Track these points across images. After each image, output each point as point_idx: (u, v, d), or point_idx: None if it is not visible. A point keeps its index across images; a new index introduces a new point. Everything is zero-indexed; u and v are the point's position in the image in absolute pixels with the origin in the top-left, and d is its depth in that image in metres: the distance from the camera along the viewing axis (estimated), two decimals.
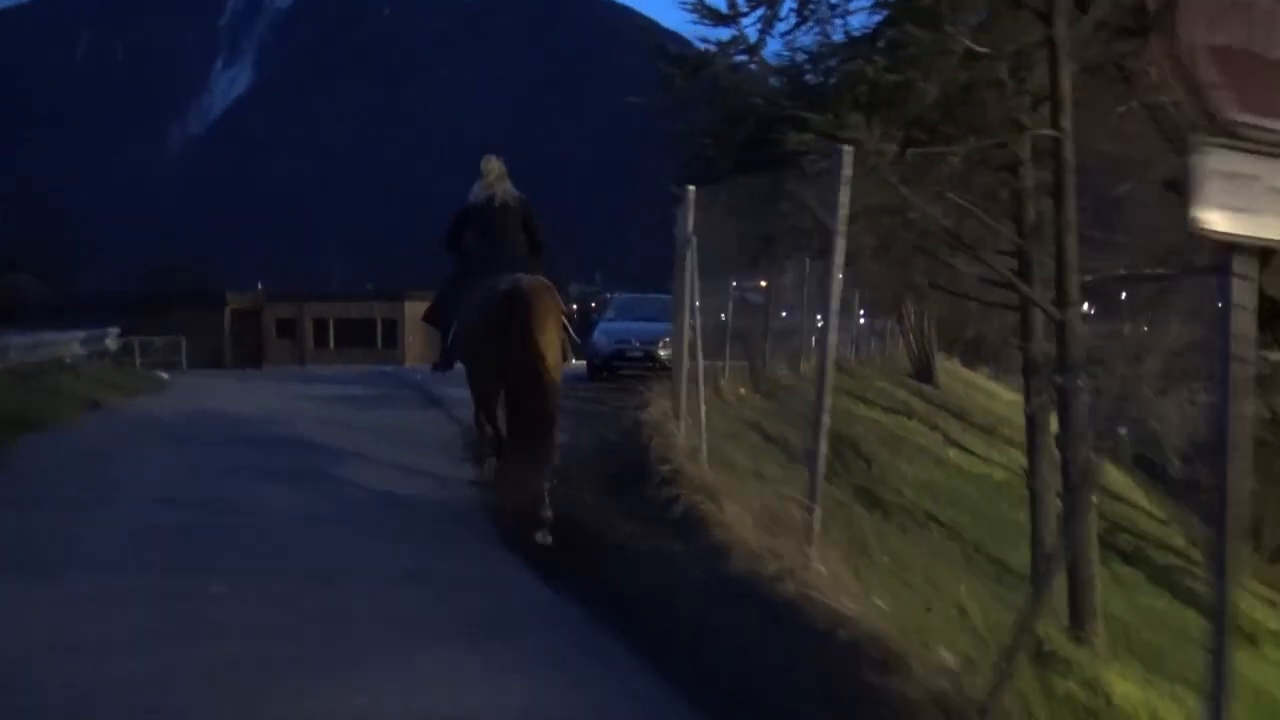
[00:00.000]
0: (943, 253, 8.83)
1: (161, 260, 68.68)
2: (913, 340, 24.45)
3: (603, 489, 6.65)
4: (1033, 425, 8.50)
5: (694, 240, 7.65)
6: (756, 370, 14.16)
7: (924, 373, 23.56)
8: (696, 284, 7.78)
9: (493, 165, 7.41)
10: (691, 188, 7.89)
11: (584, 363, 16.77)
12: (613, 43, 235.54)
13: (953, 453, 15.72)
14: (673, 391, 8.46)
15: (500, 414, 7.12)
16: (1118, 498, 14.82)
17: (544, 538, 5.85)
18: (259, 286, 57.27)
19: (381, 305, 47.22)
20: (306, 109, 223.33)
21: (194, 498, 7.09)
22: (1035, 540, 7.99)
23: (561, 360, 6.87)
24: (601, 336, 16.69)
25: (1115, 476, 15.16)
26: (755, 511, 5.35)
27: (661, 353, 15.94)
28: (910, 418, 16.95)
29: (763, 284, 16.11)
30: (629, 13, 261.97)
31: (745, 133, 8.52)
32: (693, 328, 7.96)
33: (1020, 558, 8.89)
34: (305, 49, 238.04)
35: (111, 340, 18.61)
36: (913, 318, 23.44)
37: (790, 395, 13.13)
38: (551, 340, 6.53)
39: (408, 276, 77.19)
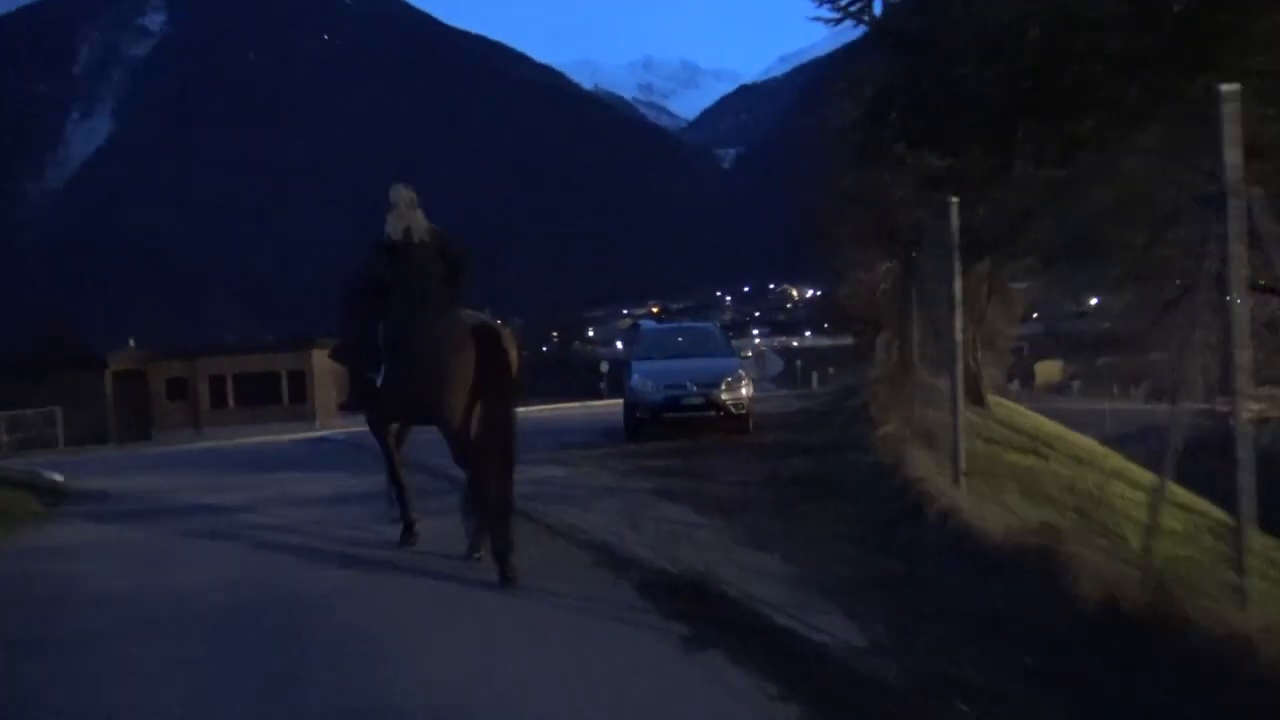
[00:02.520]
0: None
1: (28, 322, 61.71)
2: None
3: None
4: None
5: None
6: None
7: (972, 393, 20.63)
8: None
9: (403, 193, 6.77)
10: (954, 199, 6.46)
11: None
12: (482, 78, 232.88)
13: None
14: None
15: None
16: None
17: (513, 571, 5.70)
18: (130, 344, 51.77)
19: (285, 356, 42.35)
20: (171, 158, 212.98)
21: None
22: None
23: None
24: (645, 381, 12.93)
25: None
26: None
27: (725, 397, 12.55)
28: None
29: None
30: (494, 47, 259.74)
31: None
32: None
33: None
34: (167, 97, 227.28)
35: None
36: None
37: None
38: (516, 374, 6.40)
39: (303, 323, 71.87)
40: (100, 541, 7.45)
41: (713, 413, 12.65)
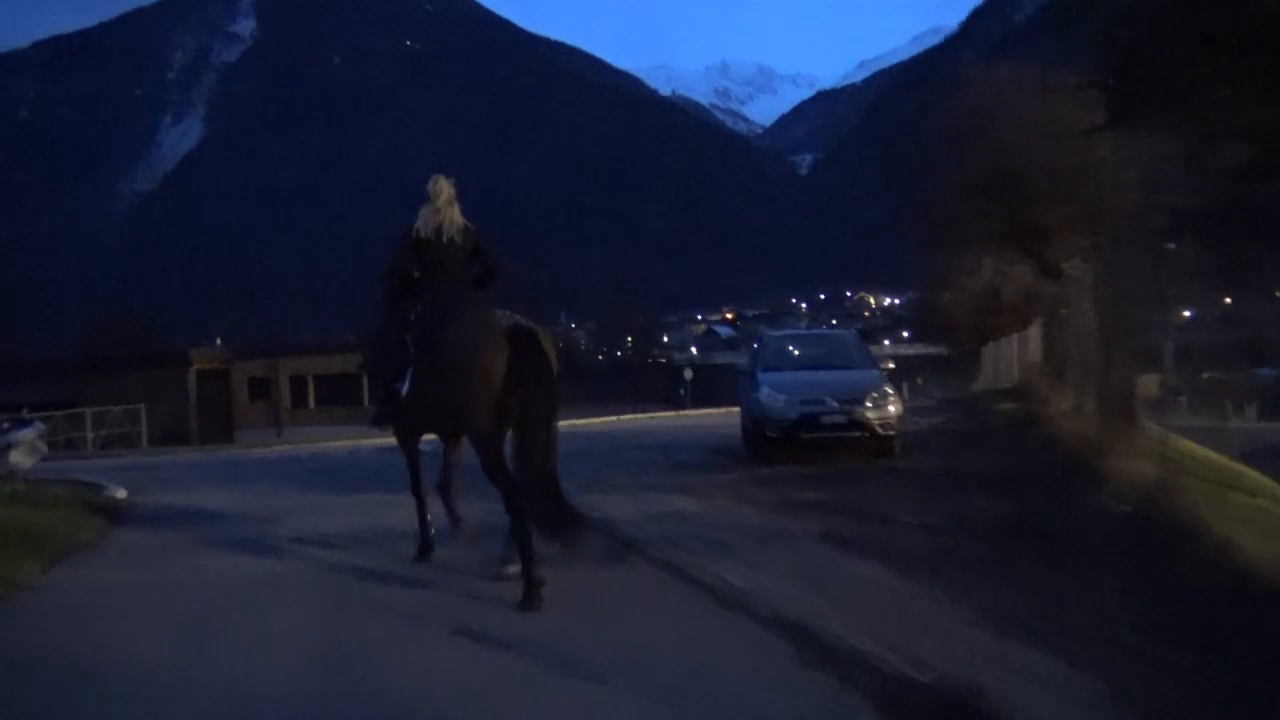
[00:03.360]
0: None
1: (112, 318, 62.11)
2: None
3: None
4: None
5: None
6: None
7: (1124, 412, 18.68)
8: None
9: (443, 186, 6.34)
10: None
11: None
12: (555, 82, 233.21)
13: None
14: None
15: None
16: None
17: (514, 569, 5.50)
18: (217, 343, 51.48)
19: None
20: (258, 160, 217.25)
21: None
22: None
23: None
24: (776, 396, 11.17)
25: None
26: None
27: (871, 415, 10.81)
28: None
29: None
30: (571, 52, 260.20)
31: None
32: None
33: None
34: (254, 101, 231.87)
35: (22, 450, 10.03)
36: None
37: None
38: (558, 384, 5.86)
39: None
40: (153, 589, 6.00)
41: (856, 433, 10.90)
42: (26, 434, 10.06)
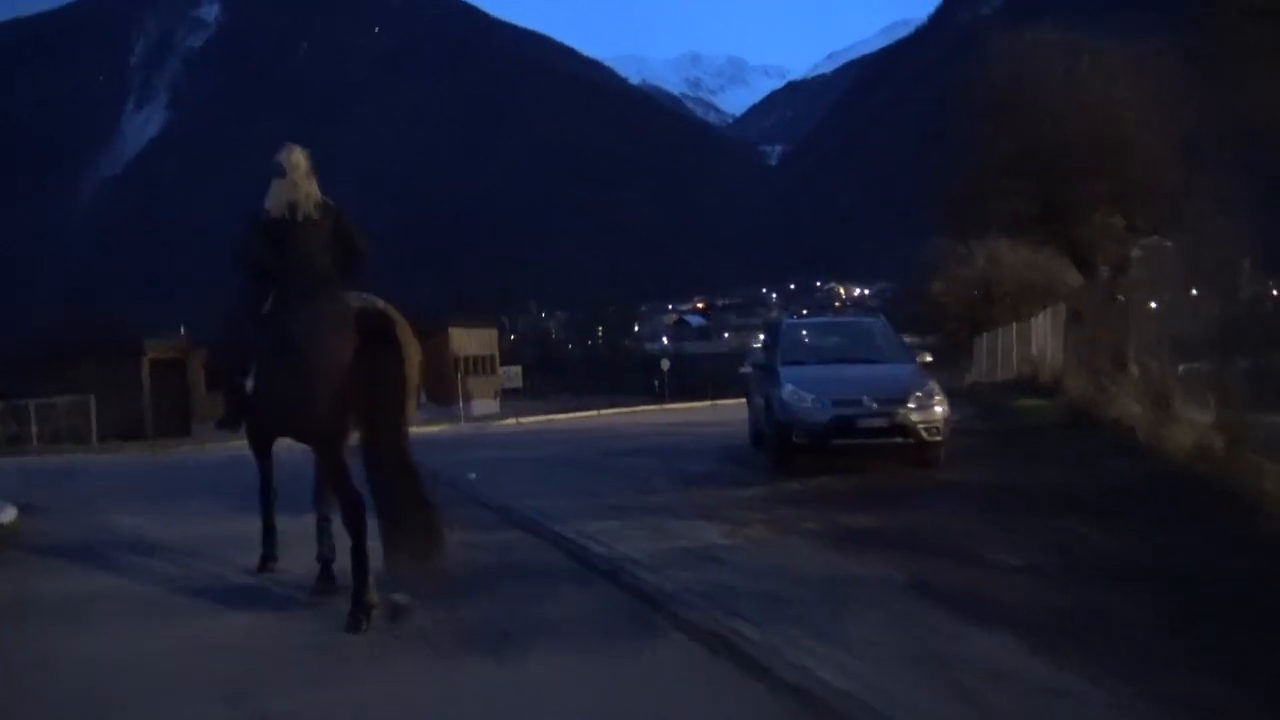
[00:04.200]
0: None
1: (66, 308, 59.35)
2: None
3: None
4: None
5: None
6: None
7: None
8: None
9: (299, 157, 5.50)
10: None
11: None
12: (525, 71, 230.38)
13: None
14: None
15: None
16: None
17: (404, 598, 4.77)
18: (181, 331, 49.14)
19: None
20: (223, 149, 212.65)
21: None
22: None
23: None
24: (802, 395, 9.45)
25: None
26: None
27: (916, 418, 9.12)
28: None
29: None
30: (541, 40, 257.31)
31: None
32: None
33: None
34: (220, 88, 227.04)
35: None
36: None
37: None
38: (416, 380, 5.03)
39: None
40: None
41: (899, 439, 9.20)
42: None
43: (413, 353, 5.04)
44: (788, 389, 9.64)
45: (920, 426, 9.14)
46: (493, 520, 7.88)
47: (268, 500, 5.97)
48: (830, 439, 9.26)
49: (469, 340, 49.35)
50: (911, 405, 9.21)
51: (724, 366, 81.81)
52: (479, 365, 49.53)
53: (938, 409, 9.29)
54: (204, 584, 5.78)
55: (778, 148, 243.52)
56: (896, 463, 9.59)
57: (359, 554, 4.80)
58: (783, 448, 9.72)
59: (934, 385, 9.57)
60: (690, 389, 56.23)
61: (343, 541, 4.99)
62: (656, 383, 65.09)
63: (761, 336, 12.53)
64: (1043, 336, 21.45)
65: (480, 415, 37.36)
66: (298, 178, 5.48)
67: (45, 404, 32.85)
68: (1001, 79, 19.74)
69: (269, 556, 5.94)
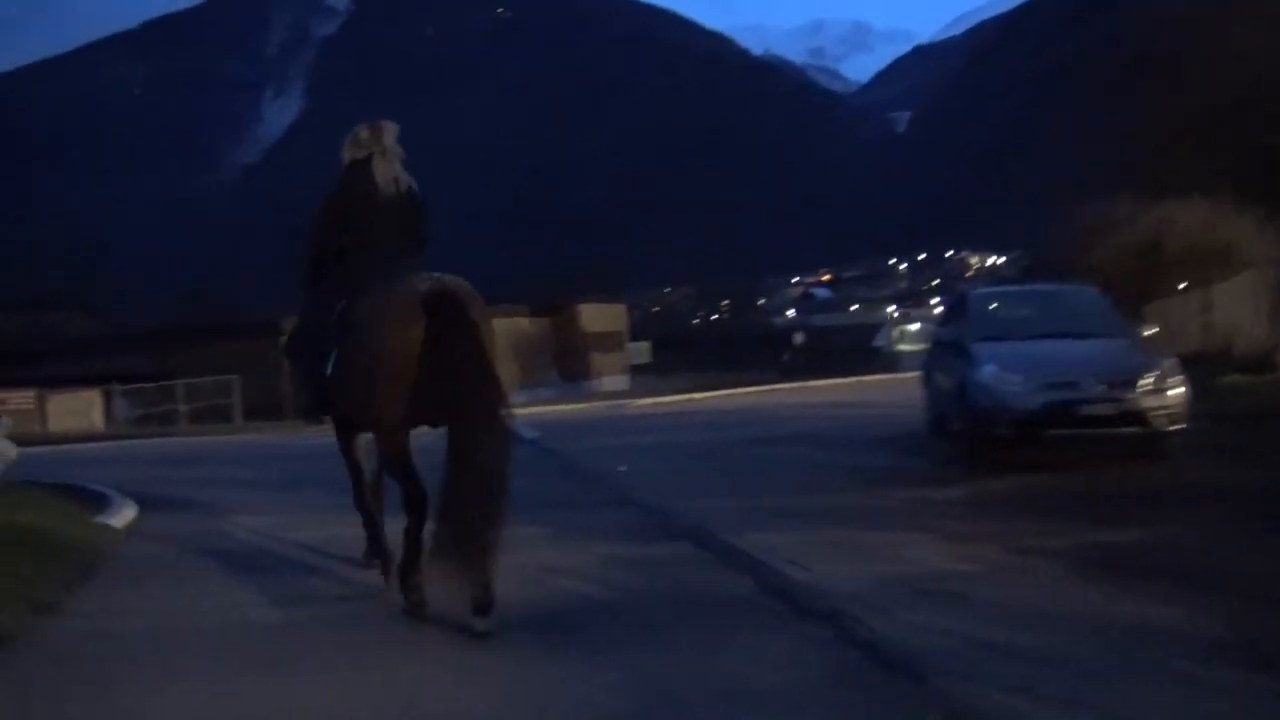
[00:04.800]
0: None
1: (207, 288, 61.33)
2: None
3: None
4: None
5: None
6: None
7: None
8: None
9: (390, 127, 5.41)
10: None
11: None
12: (646, 45, 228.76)
13: None
14: None
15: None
16: None
17: (484, 624, 4.16)
18: None
19: None
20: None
21: None
22: None
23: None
24: (1007, 377, 8.04)
25: None
26: None
27: (1149, 403, 7.60)
28: None
29: None
30: (662, 14, 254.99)
31: None
32: None
33: None
34: (350, 74, 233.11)
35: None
36: None
37: None
38: (495, 356, 4.47)
39: (479, 291, 69.20)
40: None
41: (1129, 428, 7.69)
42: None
43: (489, 330, 4.54)
44: (988, 370, 8.23)
45: (1156, 413, 7.60)
46: (651, 527, 6.79)
47: (363, 498, 5.40)
48: (1043, 429, 7.82)
49: (597, 316, 48.63)
50: (1145, 387, 7.68)
51: (855, 340, 79.30)
52: (607, 342, 48.81)
53: (1177, 392, 7.73)
54: (339, 615, 4.83)
55: (905, 114, 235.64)
56: (1110, 456, 8.08)
57: (413, 538, 4.55)
58: (981, 439, 8.32)
59: (1172, 363, 8.00)
60: (820, 364, 54.33)
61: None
62: (785, 357, 63.33)
63: (941, 308, 11.02)
64: (1236, 304, 19.20)
65: (609, 392, 36.60)
66: (393, 154, 5.30)
67: (192, 383, 33.56)
68: (1178, 24, 17.54)
69: (384, 571, 5.18)
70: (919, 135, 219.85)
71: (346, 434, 5.36)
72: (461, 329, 4.37)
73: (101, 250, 74.14)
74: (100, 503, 7.86)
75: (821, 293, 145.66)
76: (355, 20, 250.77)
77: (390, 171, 5.26)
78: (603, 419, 16.99)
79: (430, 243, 5.42)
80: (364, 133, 5.37)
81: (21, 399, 28.49)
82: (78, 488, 8.92)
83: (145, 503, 8.16)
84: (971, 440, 8.42)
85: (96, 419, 30.13)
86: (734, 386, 35.19)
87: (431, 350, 4.36)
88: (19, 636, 4.38)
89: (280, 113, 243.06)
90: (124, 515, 7.31)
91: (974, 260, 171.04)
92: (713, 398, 21.41)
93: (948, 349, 9.48)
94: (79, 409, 30.35)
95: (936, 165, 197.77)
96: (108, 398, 31.29)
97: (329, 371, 4.91)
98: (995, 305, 9.52)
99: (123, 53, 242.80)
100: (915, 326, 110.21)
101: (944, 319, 10.42)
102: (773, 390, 23.73)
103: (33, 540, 6.07)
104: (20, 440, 22.14)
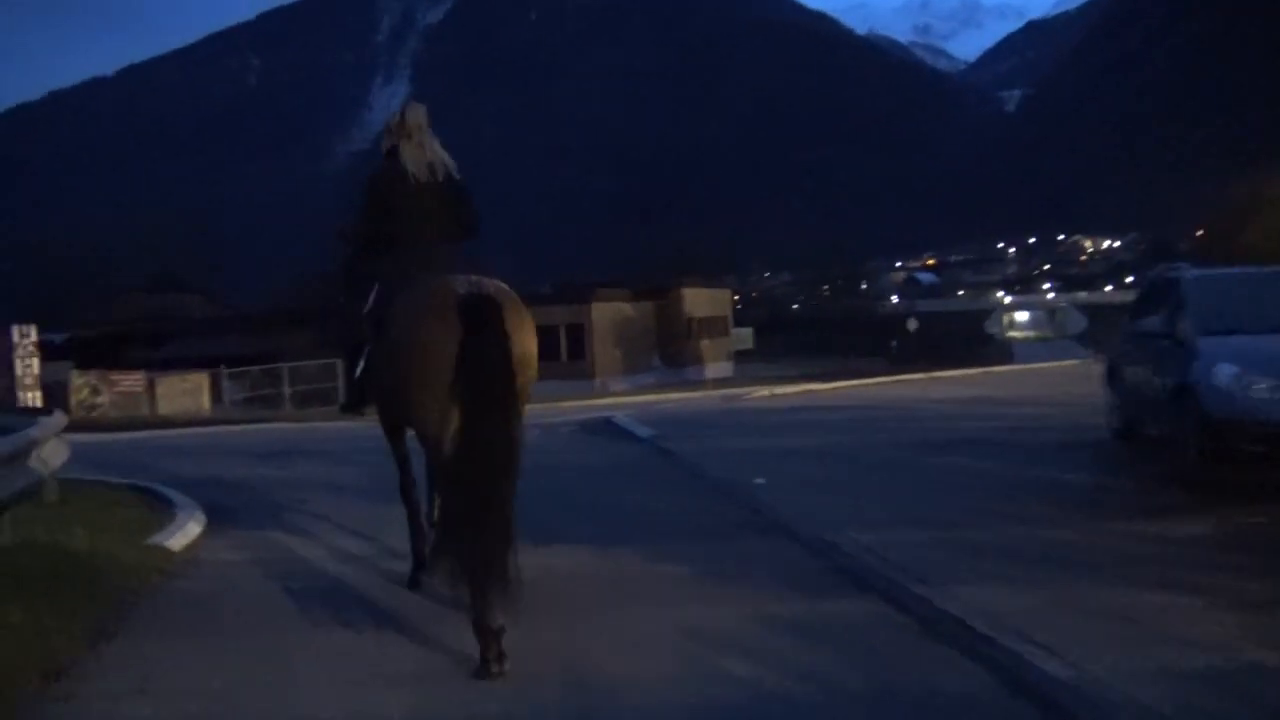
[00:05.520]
0: None
1: (316, 271, 61.76)
2: None
3: None
4: None
5: None
6: None
7: None
8: None
9: (421, 115, 5.02)
10: None
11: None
12: (749, 26, 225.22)
13: None
14: None
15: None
16: None
17: (498, 668, 3.74)
18: None
19: (563, 309, 38.10)
20: (460, 117, 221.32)
21: None
22: None
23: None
24: (1250, 379, 6.47)
25: None
26: None
27: None
28: None
29: None
30: None
31: None
32: None
33: None
34: (456, 60, 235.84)
35: (51, 447, 6.69)
36: None
37: None
38: (529, 366, 4.37)
39: (578, 275, 68.39)
40: None
41: None
42: (49, 424, 6.52)
43: (524, 340, 4.34)
44: (1224, 371, 6.53)
45: None
46: (820, 569, 5.36)
47: (411, 497, 5.20)
48: None
49: (701, 301, 47.15)
50: None
51: (962, 327, 75.80)
52: (711, 327, 47.28)
53: None
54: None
55: (1015, 93, 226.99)
56: None
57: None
58: (1216, 454, 6.63)
59: None
60: (929, 352, 51.72)
61: None
62: (893, 344, 60.76)
63: (1138, 295, 9.23)
64: None
65: (717, 380, 35.15)
66: (424, 138, 4.97)
67: (296, 367, 33.34)
68: None
69: (417, 568, 5.03)
70: (1030, 114, 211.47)
71: (391, 430, 5.22)
72: (493, 339, 4.08)
73: (219, 235, 75.65)
74: (165, 512, 6.81)
75: (926, 278, 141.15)
76: (461, 6, 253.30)
77: (421, 156, 4.95)
78: (720, 413, 15.45)
79: (477, 231, 5.14)
80: (394, 119, 5.07)
81: (132, 381, 28.47)
82: (147, 489, 7.93)
83: (217, 512, 7.09)
84: (1202, 456, 6.73)
85: (204, 402, 30.01)
86: (845, 376, 33.32)
87: (462, 354, 4.10)
88: None
89: (389, 100, 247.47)
90: (186, 532, 6.21)
91: (1088, 244, 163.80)
92: (837, 389, 19.71)
93: (1150, 342, 7.77)
94: (188, 391, 30.27)
95: (1049, 145, 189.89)
96: (215, 380, 31.19)
97: (361, 367, 4.92)
98: (1219, 292, 7.70)
99: (241, 43, 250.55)
100: (1024, 315, 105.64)
101: (1141, 307, 8.65)
102: (900, 381, 21.89)
103: (70, 570, 4.99)
104: (123, 424, 21.89)
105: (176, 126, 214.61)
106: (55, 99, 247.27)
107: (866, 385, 20.97)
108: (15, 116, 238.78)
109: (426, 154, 4.96)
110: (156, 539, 5.86)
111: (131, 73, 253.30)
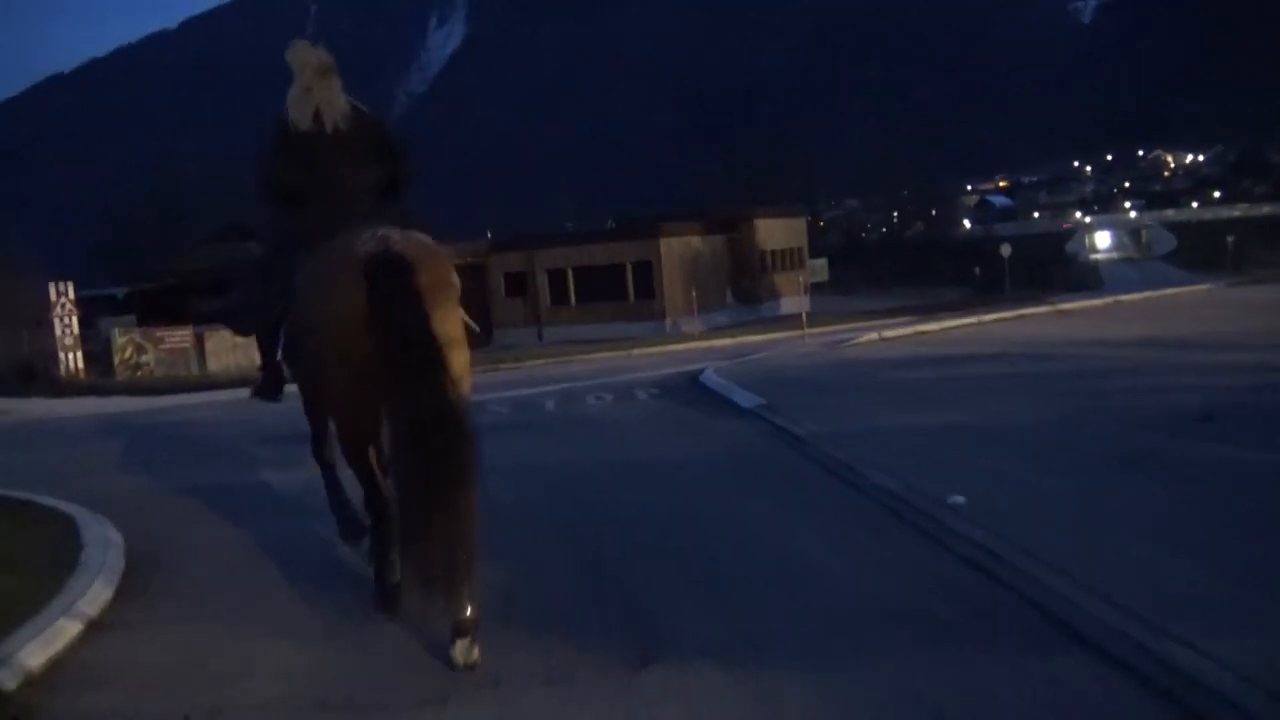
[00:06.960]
0: None
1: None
2: None
3: None
4: None
5: None
6: None
7: None
8: None
9: (308, 57, 4.31)
10: None
11: None
12: None
13: None
14: None
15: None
16: None
17: (468, 653, 3.32)
18: (488, 236, 47.62)
19: (630, 245, 35.39)
20: (518, 55, 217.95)
21: None
22: None
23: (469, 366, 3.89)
24: None
25: None
26: None
27: None
28: None
29: None
30: None
31: None
32: None
33: None
34: None
35: None
36: None
37: None
38: (454, 332, 3.70)
39: (643, 212, 65.31)
40: None
41: None
42: None
43: (443, 303, 3.61)
44: None
45: None
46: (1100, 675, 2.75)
47: (321, 453, 4.68)
48: None
49: (775, 231, 43.93)
50: None
51: (1041, 251, 71.23)
52: (785, 259, 44.12)
53: None
54: None
55: (1091, 2, 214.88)
56: None
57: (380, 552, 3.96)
58: None
59: None
60: (1014, 279, 48.04)
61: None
62: (977, 270, 56.99)
63: None
64: None
65: (791, 315, 32.25)
66: (309, 80, 4.23)
67: None
68: None
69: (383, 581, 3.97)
70: (1107, 25, 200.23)
71: (309, 405, 4.56)
72: (404, 299, 3.42)
73: None
74: (59, 571, 4.40)
75: (999, 200, 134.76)
76: None
77: (307, 104, 4.23)
78: (830, 366, 12.44)
79: (404, 183, 4.37)
80: (287, 55, 4.28)
81: (179, 338, 26.67)
82: (70, 521, 5.54)
83: (145, 555, 4.70)
84: None
85: (256, 355, 28.21)
86: (938, 310, 30.19)
87: (374, 322, 3.45)
88: None
89: (445, 41, 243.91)
90: (58, 630, 3.75)
91: (1170, 159, 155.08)
92: (951, 330, 16.78)
93: None
94: (240, 345, 28.42)
95: (1126, 58, 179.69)
96: None
97: (280, 347, 4.33)
98: None
99: None
100: (1106, 236, 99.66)
101: None
102: (1021, 317, 18.92)
103: None
104: (162, 387, 19.94)
105: (238, 76, 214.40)
106: (123, 53, 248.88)
107: (983, 324, 18.04)
108: (86, 72, 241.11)
109: (315, 100, 4.24)
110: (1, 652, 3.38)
111: (193, 24, 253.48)
